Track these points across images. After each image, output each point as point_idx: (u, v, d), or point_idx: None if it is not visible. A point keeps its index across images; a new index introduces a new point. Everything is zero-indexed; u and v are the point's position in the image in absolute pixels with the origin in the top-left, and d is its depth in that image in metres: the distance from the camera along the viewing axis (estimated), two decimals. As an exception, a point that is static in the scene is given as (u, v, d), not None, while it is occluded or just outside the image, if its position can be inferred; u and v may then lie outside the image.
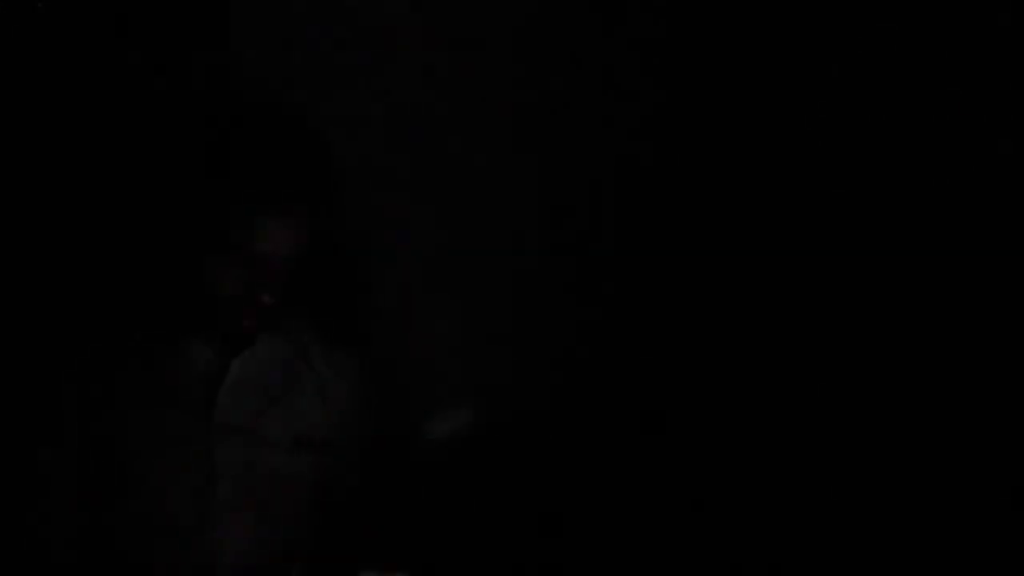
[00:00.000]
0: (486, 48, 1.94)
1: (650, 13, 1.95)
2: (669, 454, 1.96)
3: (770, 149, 1.96)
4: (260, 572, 1.62)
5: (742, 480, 1.93)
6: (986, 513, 1.81)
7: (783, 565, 1.88)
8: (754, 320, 1.96)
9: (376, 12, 1.91)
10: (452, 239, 1.97)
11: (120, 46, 1.83)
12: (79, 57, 1.83)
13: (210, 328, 1.58)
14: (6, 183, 1.82)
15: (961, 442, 1.84)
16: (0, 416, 1.57)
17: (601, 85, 1.97)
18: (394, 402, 1.82)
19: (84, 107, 1.84)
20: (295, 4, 1.89)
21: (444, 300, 1.98)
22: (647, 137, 1.98)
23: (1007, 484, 1.81)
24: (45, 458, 1.56)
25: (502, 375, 1.98)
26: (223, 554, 1.59)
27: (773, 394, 1.94)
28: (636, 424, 1.97)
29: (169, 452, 1.57)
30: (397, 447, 1.85)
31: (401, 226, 1.95)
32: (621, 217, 2.00)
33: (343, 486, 1.70)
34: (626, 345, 1.99)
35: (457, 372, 1.98)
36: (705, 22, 1.95)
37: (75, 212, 1.84)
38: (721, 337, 1.97)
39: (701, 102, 1.97)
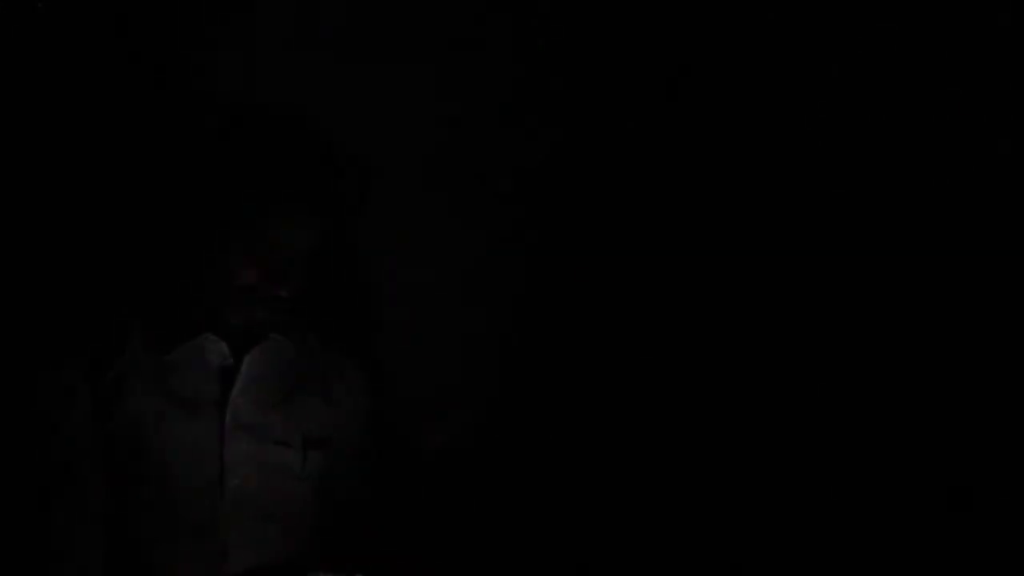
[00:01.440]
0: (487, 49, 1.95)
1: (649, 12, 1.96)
2: (663, 455, 1.96)
3: (771, 150, 1.96)
4: (266, 571, 1.62)
5: (735, 480, 1.93)
6: (985, 513, 1.81)
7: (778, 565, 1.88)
8: (755, 319, 1.96)
9: (382, 14, 1.92)
10: (454, 243, 1.98)
11: (120, 46, 1.84)
12: (81, 57, 1.83)
13: (224, 325, 1.60)
14: (16, 183, 1.83)
15: (960, 443, 1.84)
16: (16, 412, 1.58)
17: (602, 85, 1.98)
18: (396, 404, 1.83)
19: (89, 107, 1.84)
20: (305, 9, 1.90)
21: (445, 303, 1.98)
22: (649, 138, 1.98)
23: (1006, 484, 1.81)
24: (64, 448, 1.57)
25: (502, 379, 1.99)
26: (230, 552, 1.59)
27: (767, 393, 1.94)
28: (634, 425, 1.97)
29: (180, 449, 1.58)
30: (399, 449, 1.85)
31: (403, 229, 1.95)
32: (622, 218, 2.00)
33: (348, 486, 1.71)
34: (625, 349, 1.99)
35: (457, 375, 1.98)
36: (703, 20, 1.95)
37: (89, 210, 1.85)
38: (713, 336, 1.97)
39: (700, 104, 1.97)
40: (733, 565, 1.89)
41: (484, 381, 1.98)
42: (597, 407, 1.97)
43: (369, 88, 1.91)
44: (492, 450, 1.95)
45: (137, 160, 1.83)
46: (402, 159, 1.93)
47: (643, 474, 1.95)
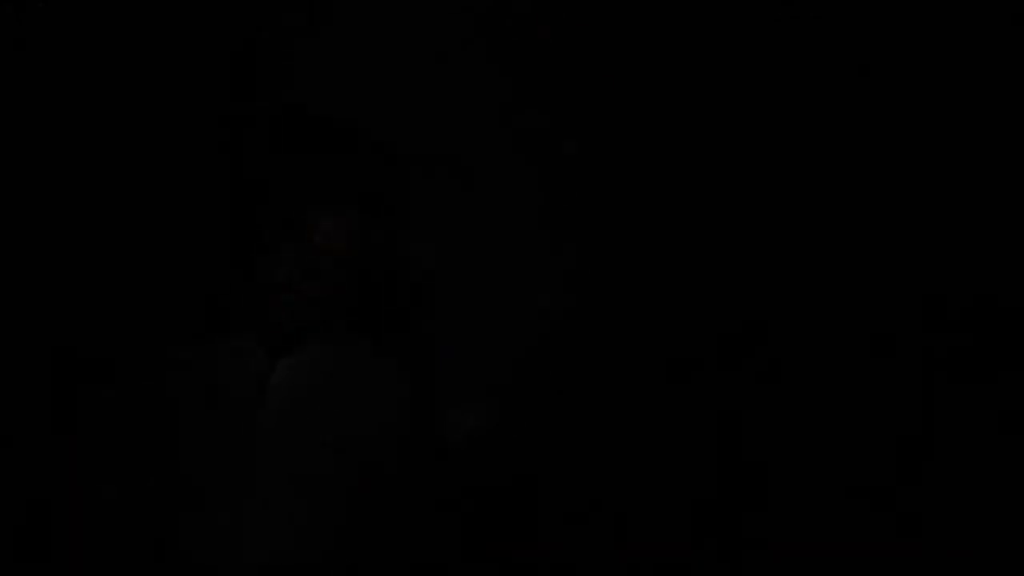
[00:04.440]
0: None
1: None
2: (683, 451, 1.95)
3: (773, 146, 1.96)
4: (297, 570, 1.61)
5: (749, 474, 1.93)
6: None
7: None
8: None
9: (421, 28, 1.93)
10: (488, 239, 1.98)
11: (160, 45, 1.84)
12: (99, 55, 1.83)
13: (261, 328, 1.60)
14: (51, 181, 1.83)
15: (961, 441, 1.85)
16: (53, 405, 1.59)
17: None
18: (431, 405, 1.81)
19: (122, 106, 1.85)
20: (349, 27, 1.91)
21: (479, 304, 1.97)
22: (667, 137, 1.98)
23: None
24: (93, 444, 1.58)
25: (533, 372, 1.98)
26: (260, 552, 1.59)
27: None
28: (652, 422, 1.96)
29: (214, 449, 1.58)
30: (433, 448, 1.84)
31: (440, 228, 1.95)
32: (655, 215, 1.99)
33: (384, 487, 1.69)
34: (644, 349, 1.99)
35: (490, 372, 1.98)
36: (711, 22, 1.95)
37: (132, 213, 1.85)
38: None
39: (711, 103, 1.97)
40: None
41: (516, 374, 1.97)
42: (622, 402, 1.96)
43: (412, 85, 1.92)
44: (518, 441, 1.94)
45: (177, 158, 1.84)
46: (443, 157, 1.93)
47: (659, 466, 1.95)
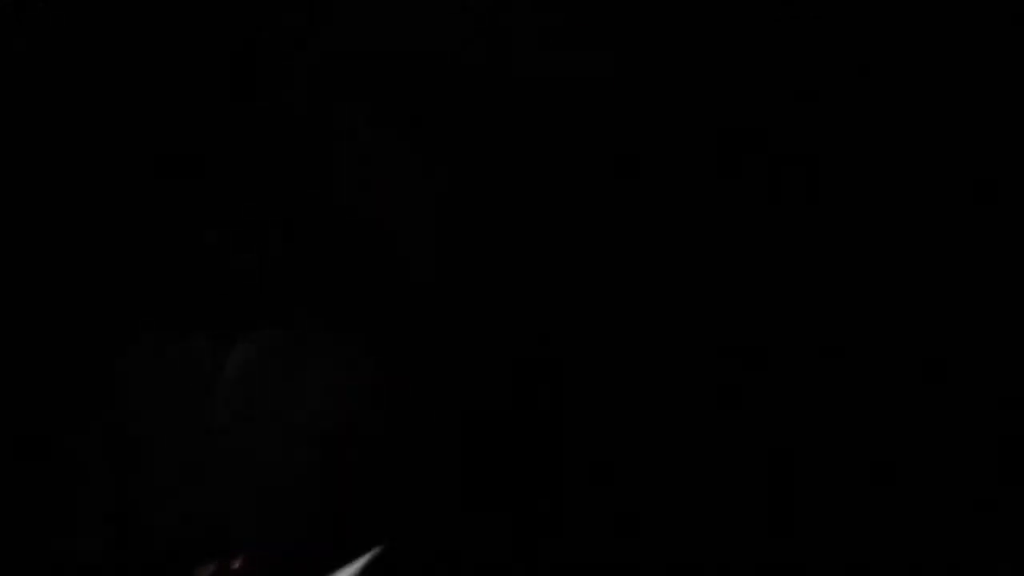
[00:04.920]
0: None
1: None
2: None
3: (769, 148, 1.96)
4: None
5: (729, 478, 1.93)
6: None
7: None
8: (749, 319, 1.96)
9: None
10: (463, 230, 1.96)
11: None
12: (66, 54, 1.84)
13: (209, 321, 1.60)
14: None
15: (960, 443, 1.85)
16: (24, 410, 1.60)
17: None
18: (401, 394, 1.81)
19: (70, 106, 1.85)
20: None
21: (450, 292, 1.96)
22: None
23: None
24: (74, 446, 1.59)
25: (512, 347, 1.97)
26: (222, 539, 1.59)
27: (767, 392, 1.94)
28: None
29: (169, 443, 1.58)
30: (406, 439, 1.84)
31: (405, 212, 1.94)
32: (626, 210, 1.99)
33: (349, 479, 1.70)
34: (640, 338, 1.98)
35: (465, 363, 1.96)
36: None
37: (80, 214, 1.85)
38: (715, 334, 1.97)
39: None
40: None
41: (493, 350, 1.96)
42: (610, 386, 1.96)
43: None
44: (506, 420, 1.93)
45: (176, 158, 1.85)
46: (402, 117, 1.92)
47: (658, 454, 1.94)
